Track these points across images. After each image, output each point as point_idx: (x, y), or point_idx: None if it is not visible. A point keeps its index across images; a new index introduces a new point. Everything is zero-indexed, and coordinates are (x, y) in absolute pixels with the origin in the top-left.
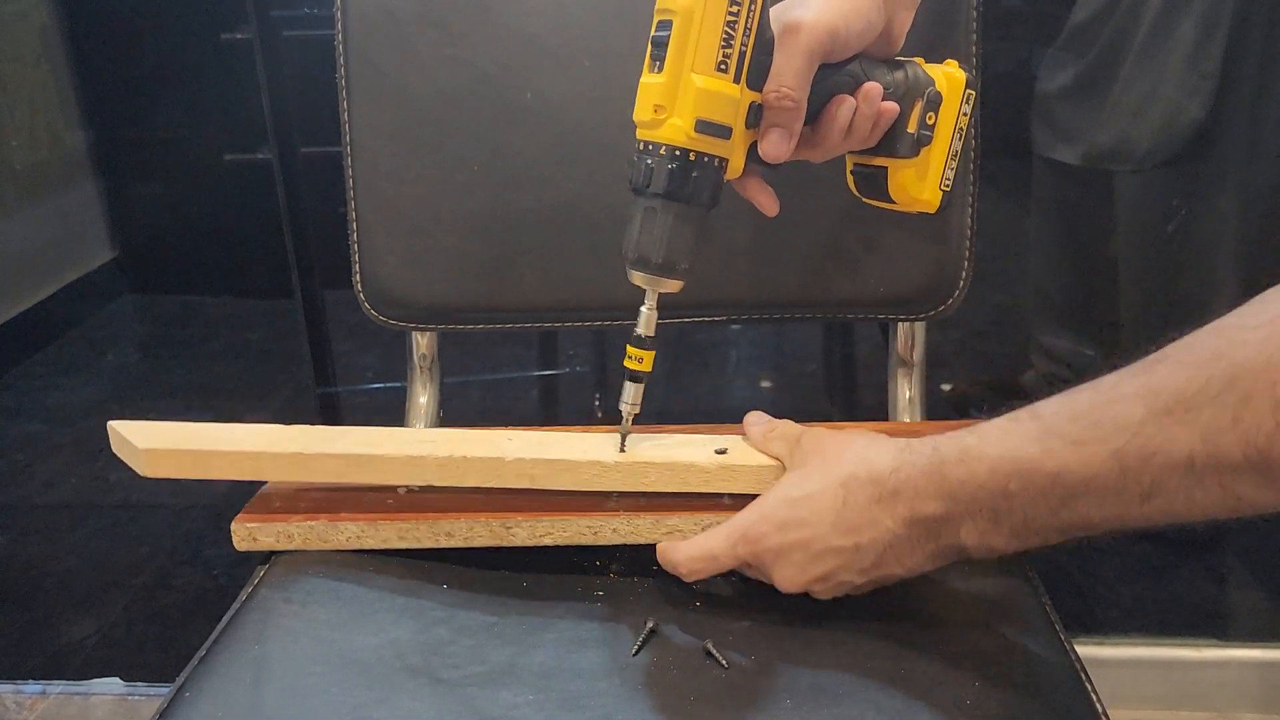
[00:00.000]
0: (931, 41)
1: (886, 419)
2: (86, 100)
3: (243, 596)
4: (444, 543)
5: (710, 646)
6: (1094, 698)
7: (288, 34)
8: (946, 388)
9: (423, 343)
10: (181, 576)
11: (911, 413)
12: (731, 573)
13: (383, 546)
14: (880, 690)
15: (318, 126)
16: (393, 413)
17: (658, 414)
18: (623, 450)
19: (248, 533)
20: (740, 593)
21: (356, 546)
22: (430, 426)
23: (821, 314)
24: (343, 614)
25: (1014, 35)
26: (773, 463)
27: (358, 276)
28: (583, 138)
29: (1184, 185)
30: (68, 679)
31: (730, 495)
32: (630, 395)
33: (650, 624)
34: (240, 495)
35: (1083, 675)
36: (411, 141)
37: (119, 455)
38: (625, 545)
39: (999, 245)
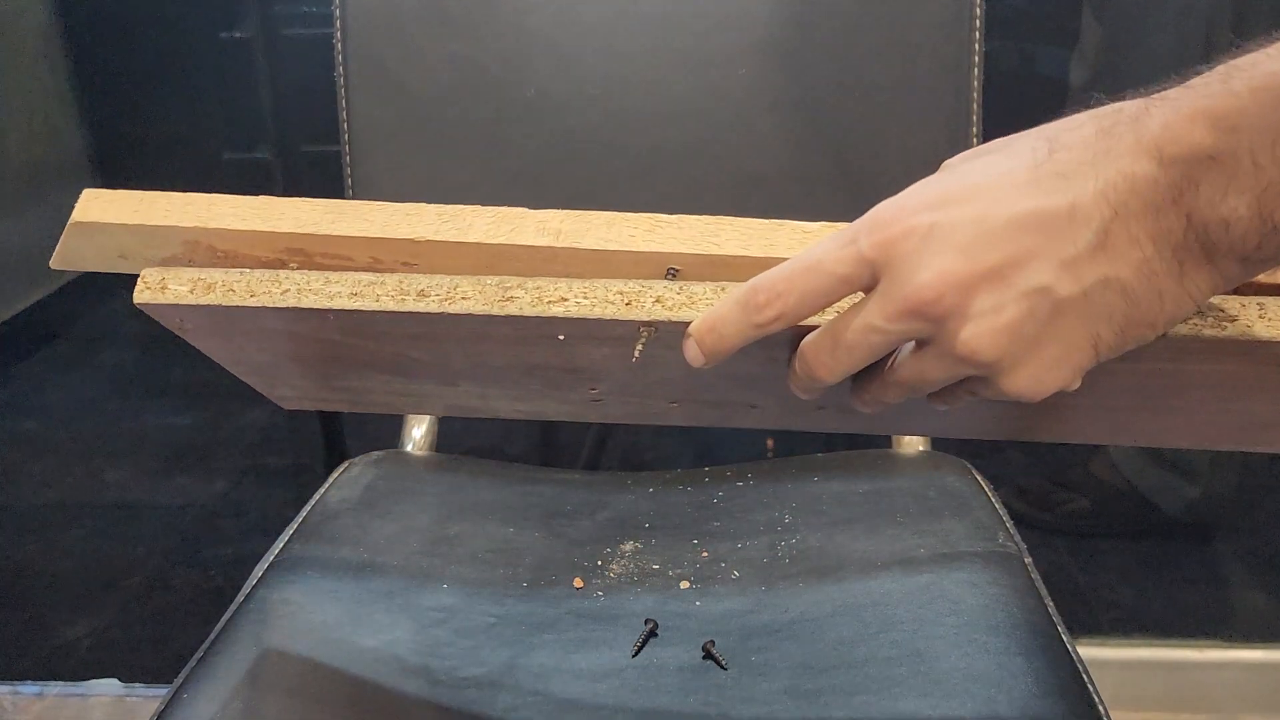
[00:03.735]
0: (934, 40)
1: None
2: (85, 98)
3: (240, 597)
4: (415, 305)
5: (710, 647)
6: (1096, 699)
7: (287, 32)
8: None
9: None
10: (179, 577)
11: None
12: (732, 568)
13: (328, 304)
14: (881, 692)
15: (317, 125)
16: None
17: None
18: None
19: (157, 279)
20: (740, 592)
21: (294, 303)
22: (428, 428)
23: None
24: (341, 615)
25: (1017, 34)
26: None
27: None
28: (585, 135)
29: None
30: (65, 680)
31: None
32: None
33: (650, 624)
34: (239, 497)
35: (1085, 676)
36: (411, 140)
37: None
38: (626, 543)
39: None
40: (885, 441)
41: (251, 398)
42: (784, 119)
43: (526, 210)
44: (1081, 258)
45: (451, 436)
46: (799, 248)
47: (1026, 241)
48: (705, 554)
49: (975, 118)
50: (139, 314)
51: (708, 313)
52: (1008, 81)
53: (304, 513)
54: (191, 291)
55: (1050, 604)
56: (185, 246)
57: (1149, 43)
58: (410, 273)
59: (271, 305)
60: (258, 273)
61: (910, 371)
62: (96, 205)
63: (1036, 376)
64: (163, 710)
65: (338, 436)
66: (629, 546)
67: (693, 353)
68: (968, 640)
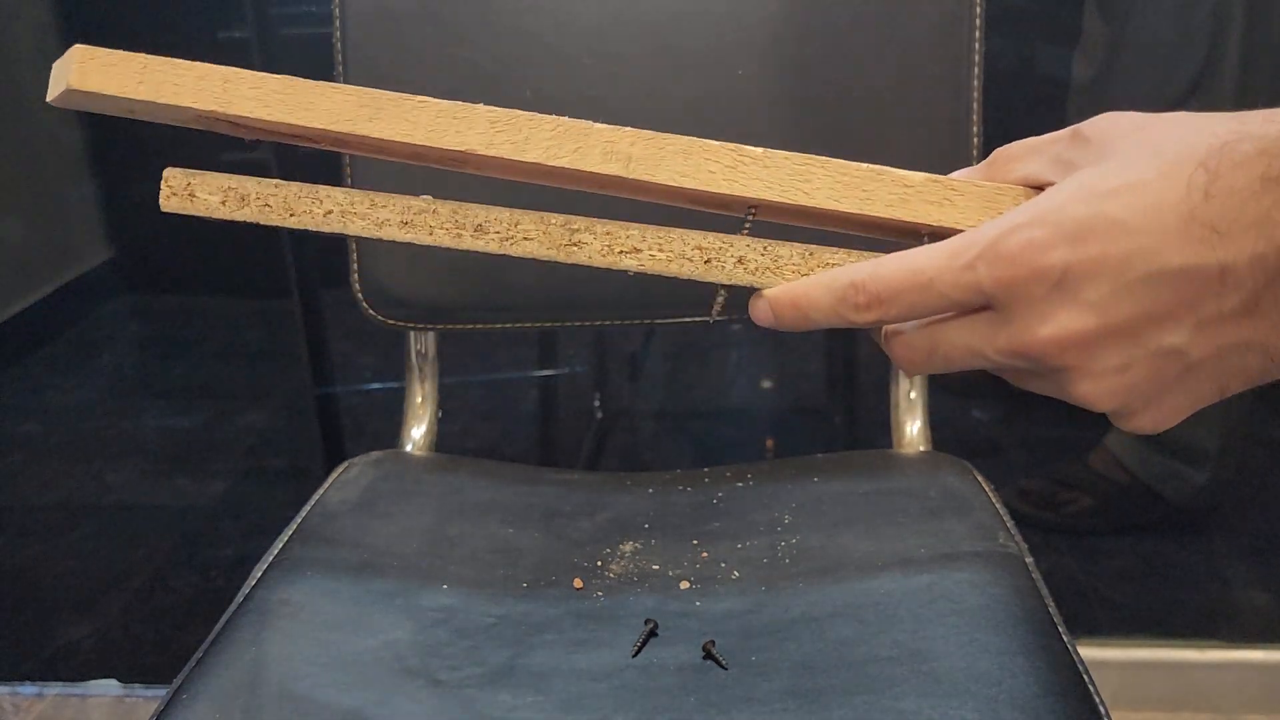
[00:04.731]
0: (934, 40)
1: (888, 420)
2: None
3: (240, 598)
4: (470, 244)
5: (710, 647)
6: (1097, 699)
7: (285, 32)
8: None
9: (422, 342)
10: (179, 578)
11: (913, 413)
12: (732, 568)
13: (376, 233)
14: (881, 692)
15: None
16: (392, 413)
17: (656, 415)
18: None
19: (184, 183)
20: (741, 592)
21: (339, 229)
22: (428, 428)
23: None
24: (340, 615)
25: (1017, 34)
26: (1018, 187)
27: (356, 276)
28: None
29: None
30: (64, 680)
31: (931, 234)
32: None
33: (650, 624)
34: (239, 498)
35: (1085, 677)
36: None
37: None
38: (626, 543)
39: None
40: (886, 442)
41: (250, 399)
42: (783, 119)
43: (591, 125)
44: (1224, 321)
45: (451, 437)
46: (898, 205)
47: (1165, 298)
48: (705, 554)
49: (975, 118)
50: (137, 316)
51: (793, 286)
52: (1008, 81)
53: (303, 513)
54: (224, 204)
55: (1051, 604)
56: (201, 119)
57: (1153, 38)
58: (460, 170)
59: (314, 228)
60: (294, 187)
61: (1011, 381)
62: (95, 70)
63: (1154, 421)
64: (162, 711)
65: (337, 437)
66: (629, 547)
67: (765, 316)
68: (968, 640)
